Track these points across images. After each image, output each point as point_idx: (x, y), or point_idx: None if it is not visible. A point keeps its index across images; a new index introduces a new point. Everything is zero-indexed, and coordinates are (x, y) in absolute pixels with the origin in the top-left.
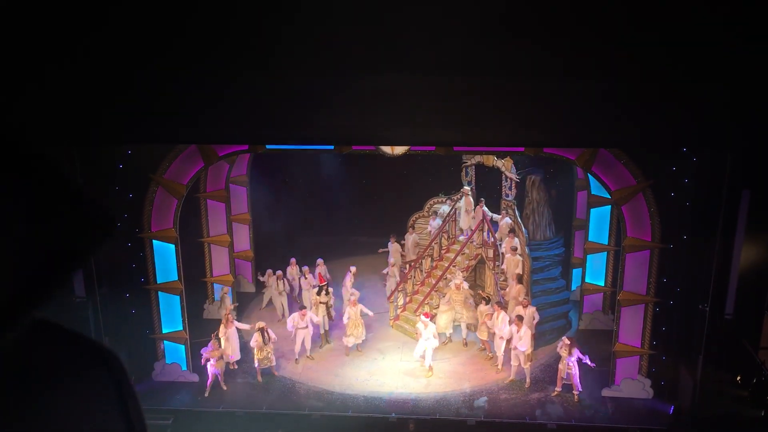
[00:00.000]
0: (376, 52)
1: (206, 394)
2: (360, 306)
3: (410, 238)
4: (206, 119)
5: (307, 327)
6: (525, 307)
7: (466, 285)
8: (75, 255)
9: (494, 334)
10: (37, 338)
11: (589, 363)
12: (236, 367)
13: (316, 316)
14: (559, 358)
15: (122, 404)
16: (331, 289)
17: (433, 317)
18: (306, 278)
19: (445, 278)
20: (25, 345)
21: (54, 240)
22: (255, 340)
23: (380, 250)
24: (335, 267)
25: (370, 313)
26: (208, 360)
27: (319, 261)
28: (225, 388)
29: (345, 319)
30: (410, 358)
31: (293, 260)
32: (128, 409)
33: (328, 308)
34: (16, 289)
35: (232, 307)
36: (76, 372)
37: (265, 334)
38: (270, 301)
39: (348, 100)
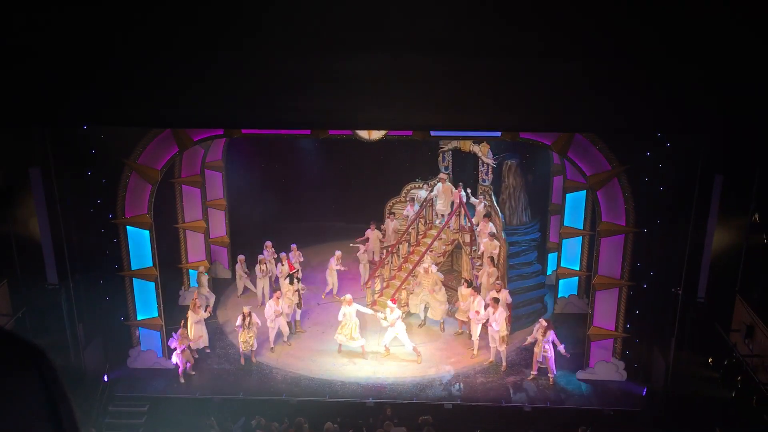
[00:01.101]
0: (353, 34)
1: (182, 381)
2: (357, 306)
3: (390, 225)
4: (181, 102)
5: (282, 313)
6: (498, 291)
7: (434, 269)
8: None
9: (470, 318)
10: None
11: (563, 352)
12: (209, 350)
13: (288, 305)
14: (534, 341)
15: (51, 405)
16: (300, 276)
17: (401, 304)
18: (283, 265)
19: (422, 263)
20: None
21: None
22: (238, 323)
23: (352, 244)
24: (312, 253)
25: (369, 311)
26: (174, 349)
27: (293, 246)
28: (182, 381)
29: (340, 317)
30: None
31: (269, 243)
32: (58, 410)
33: (299, 295)
34: None
35: (197, 292)
36: (2, 372)
37: (247, 318)
38: (245, 288)
39: (325, 83)
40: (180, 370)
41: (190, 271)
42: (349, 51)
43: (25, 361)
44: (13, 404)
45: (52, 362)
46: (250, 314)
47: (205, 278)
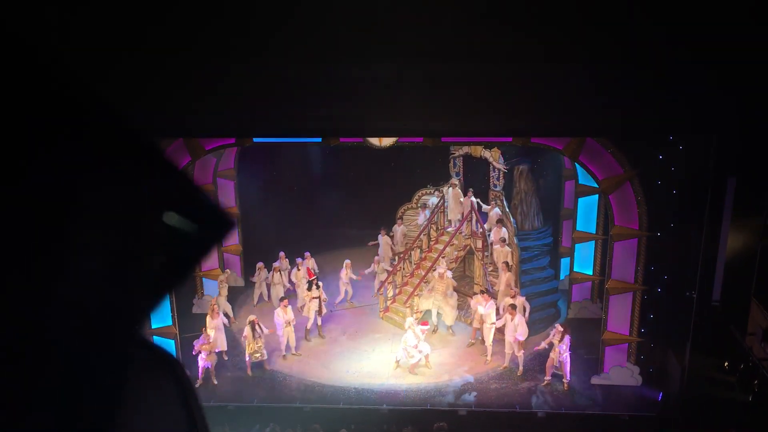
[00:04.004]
0: (363, 44)
1: (214, 382)
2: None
3: (398, 230)
4: (193, 112)
5: (289, 325)
6: (513, 297)
7: (449, 274)
8: (191, 258)
9: (484, 322)
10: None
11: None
12: (227, 358)
13: (307, 310)
14: (550, 346)
15: (189, 413)
16: (320, 284)
17: (414, 310)
18: (299, 270)
19: (435, 270)
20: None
21: (177, 241)
22: (245, 334)
23: (370, 243)
24: (324, 260)
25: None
26: (199, 352)
27: (307, 254)
28: (215, 382)
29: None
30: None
31: (282, 254)
32: (194, 417)
33: (320, 303)
34: (139, 296)
35: (217, 299)
36: (145, 380)
37: (256, 328)
38: (261, 297)
39: (335, 92)
40: (200, 374)
41: (204, 279)
42: (359, 60)
43: (163, 369)
44: (156, 410)
45: (185, 369)
46: (257, 324)
47: (225, 288)
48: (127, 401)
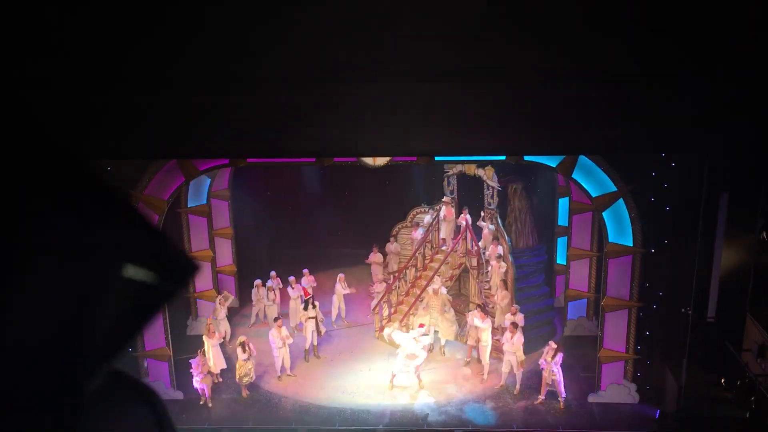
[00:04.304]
0: (355, 65)
1: (209, 405)
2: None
3: (392, 248)
4: (186, 134)
5: (284, 346)
6: (513, 314)
7: (444, 290)
8: (157, 300)
9: (479, 341)
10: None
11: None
12: (221, 380)
13: (304, 330)
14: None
15: None
16: (317, 303)
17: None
18: (293, 288)
19: (432, 285)
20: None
21: (138, 288)
22: (237, 355)
23: (367, 261)
24: (319, 279)
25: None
26: (193, 374)
27: (305, 272)
28: (210, 405)
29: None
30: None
31: (273, 273)
32: None
33: (317, 323)
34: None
35: (213, 317)
36: (122, 411)
37: (247, 348)
38: (257, 317)
39: (329, 112)
40: (207, 394)
41: (197, 299)
42: (352, 81)
43: (139, 399)
44: None
45: (162, 400)
46: (248, 344)
47: (222, 310)
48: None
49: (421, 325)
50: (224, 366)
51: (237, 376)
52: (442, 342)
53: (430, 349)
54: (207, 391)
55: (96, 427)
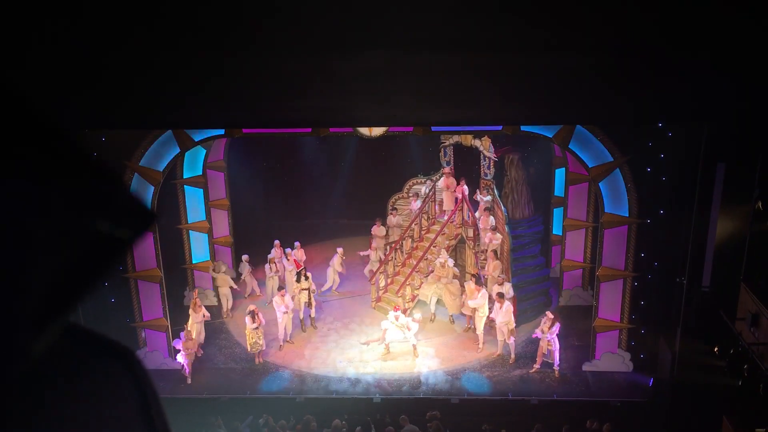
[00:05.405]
0: (351, 33)
1: (189, 381)
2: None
3: (394, 221)
4: (182, 104)
5: (287, 312)
6: (500, 284)
7: (451, 263)
8: (114, 251)
9: (476, 311)
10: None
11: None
12: (201, 352)
13: (297, 302)
14: (542, 333)
15: (145, 407)
16: (309, 275)
17: (405, 311)
18: (288, 260)
19: (426, 258)
20: (54, 347)
21: (95, 234)
22: (246, 325)
23: (361, 253)
24: (315, 250)
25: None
26: (179, 350)
27: (296, 244)
28: (189, 381)
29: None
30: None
31: (277, 242)
32: (151, 412)
33: (309, 294)
34: (58, 288)
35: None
36: (96, 373)
37: (256, 318)
38: (252, 289)
39: (324, 81)
40: (187, 371)
41: (194, 271)
42: (348, 50)
43: (116, 361)
44: (112, 405)
45: (142, 361)
46: (257, 313)
47: (223, 278)
48: (77, 401)
49: (396, 309)
50: (201, 341)
51: (248, 345)
52: (451, 312)
53: (431, 319)
54: (187, 368)
55: (56, 382)
